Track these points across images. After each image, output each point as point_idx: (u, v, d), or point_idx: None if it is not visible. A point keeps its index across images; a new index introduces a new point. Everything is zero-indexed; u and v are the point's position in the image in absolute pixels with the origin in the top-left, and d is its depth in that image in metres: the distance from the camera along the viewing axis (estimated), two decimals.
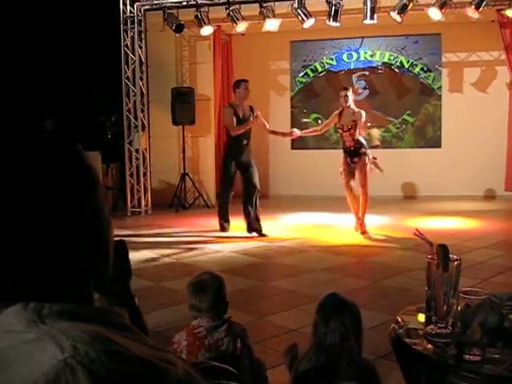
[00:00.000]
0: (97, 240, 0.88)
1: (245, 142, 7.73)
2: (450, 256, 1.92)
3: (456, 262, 1.91)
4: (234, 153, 7.67)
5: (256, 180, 7.75)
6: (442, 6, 8.69)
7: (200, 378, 0.85)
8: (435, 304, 1.92)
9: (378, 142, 8.07)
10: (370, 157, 7.47)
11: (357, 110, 7.55)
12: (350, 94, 7.60)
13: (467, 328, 1.78)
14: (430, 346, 1.90)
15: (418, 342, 1.93)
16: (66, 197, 0.82)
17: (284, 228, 8.24)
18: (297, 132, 8.10)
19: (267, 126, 8.12)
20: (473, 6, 8.57)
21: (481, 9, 8.57)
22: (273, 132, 8.26)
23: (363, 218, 7.66)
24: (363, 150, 7.50)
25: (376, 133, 8.55)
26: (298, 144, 11.62)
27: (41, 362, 0.71)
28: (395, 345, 2.00)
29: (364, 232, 7.60)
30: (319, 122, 11.61)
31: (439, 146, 11.28)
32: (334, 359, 2.05)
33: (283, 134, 8.49)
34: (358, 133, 7.53)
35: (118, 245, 1.26)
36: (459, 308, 1.94)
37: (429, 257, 1.94)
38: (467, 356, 1.74)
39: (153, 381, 0.74)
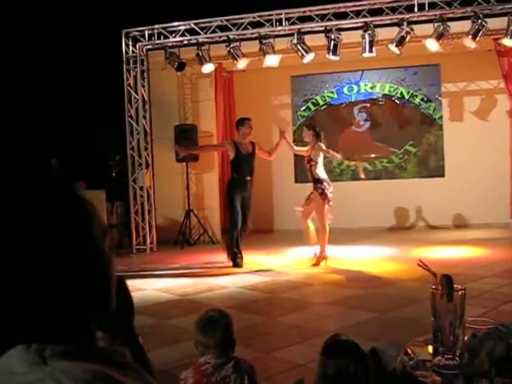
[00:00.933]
0: (96, 278, 0.88)
1: (248, 178, 7.87)
2: (455, 286, 1.91)
3: (460, 292, 1.90)
4: (238, 188, 7.79)
5: (249, 220, 7.98)
6: (439, 38, 8.80)
7: None
8: (441, 335, 1.90)
9: (362, 175, 8.14)
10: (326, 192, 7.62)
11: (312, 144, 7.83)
12: (304, 129, 8.13)
13: (474, 358, 1.76)
14: (437, 377, 1.88)
15: (426, 374, 1.91)
16: (60, 236, 0.83)
17: (289, 262, 8.20)
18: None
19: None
20: (470, 36, 8.69)
21: (478, 39, 8.68)
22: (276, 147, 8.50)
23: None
24: (318, 185, 7.67)
25: (360, 165, 8.61)
26: (301, 177, 11.64)
27: None
28: (403, 377, 1.97)
29: (316, 264, 7.69)
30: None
31: (442, 176, 11.30)
32: None
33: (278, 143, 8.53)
34: (316, 168, 7.75)
35: (117, 281, 1.26)
36: (466, 338, 1.93)
37: (433, 287, 1.93)
38: None
39: None
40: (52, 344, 0.79)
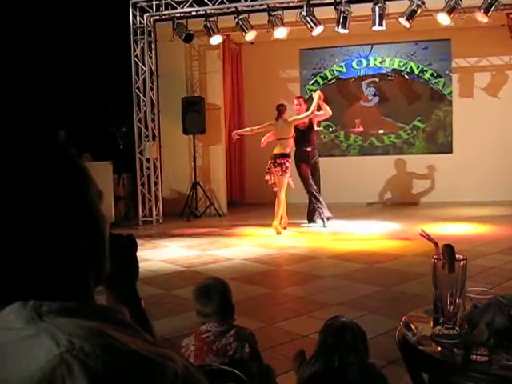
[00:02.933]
0: (91, 237, 0.88)
1: (309, 149, 8.63)
2: (456, 256, 1.90)
3: (462, 262, 1.90)
4: (302, 158, 8.64)
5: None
6: (450, 11, 8.67)
7: (201, 376, 0.85)
8: (442, 305, 1.90)
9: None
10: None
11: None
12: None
13: (474, 328, 1.76)
14: (437, 346, 1.88)
15: (425, 343, 1.91)
16: (58, 197, 0.83)
17: (295, 235, 8.22)
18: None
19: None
20: (482, 11, 8.55)
21: (490, 13, 8.55)
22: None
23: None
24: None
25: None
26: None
27: (37, 357, 0.72)
28: (402, 346, 1.98)
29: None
30: (330, 129, 11.63)
31: (450, 152, 11.24)
32: (341, 364, 2.04)
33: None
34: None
35: (128, 240, 1.27)
36: (467, 308, 1.93)
37: (435, 257, 1.93)
38: (474, 356, 1.72)
39: (149, 375, 0.74)
40: (49, 301, 0.80)
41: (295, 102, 8.81)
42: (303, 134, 8.56)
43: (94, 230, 0.89)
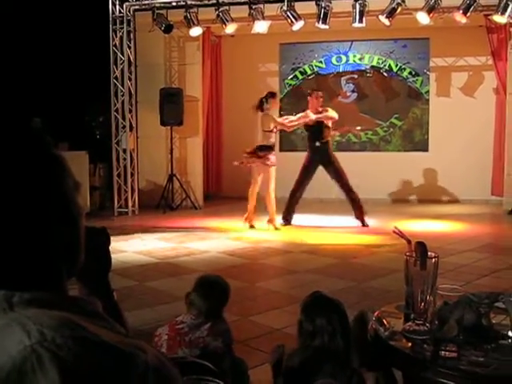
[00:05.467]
0: (66, 228, 0.88)
1: (317, 144, 8.42)
2: (428, 253, 1.93)
3: (434, 260, 1.93)
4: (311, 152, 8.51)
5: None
6: (430, 11, 8.75)
7: (173, 367, 0.85)
8: (413, 301, 1.93)
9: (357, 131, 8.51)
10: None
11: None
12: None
13: (444, 325, 1.79)
14: (407, 342, 1.91)
15: (396, 338, 1.94)
16: (32, 185, 0.82)
17: (271, 229, 8.24)
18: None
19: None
20: (461, 11, 8.65)
21: (468, 14, 8.65)
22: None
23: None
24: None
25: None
26: (286, 146, 11.66)
27: (8, 348, 0.71)
28: (374, 342, 2.01)
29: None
30: None
31: (426, 150, 11.35)
32: (319, 358, 2.05)
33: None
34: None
35: (100, 232, 1.27)
36: (437, 305, 1.96)
37: (407, 254, 1.96)
38: (443, 352, 1.75)
39: (120, 366, 0.74)
40: (21, 291, 0.79)
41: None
42: (313, 130, 8.45)
43: (69, 221, 0.89)
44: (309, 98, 8.58)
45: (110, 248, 1.33)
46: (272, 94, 8.34)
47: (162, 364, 0.81)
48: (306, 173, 8.44)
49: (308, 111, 8.46)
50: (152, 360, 0.78)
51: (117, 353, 0.75)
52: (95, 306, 0.89)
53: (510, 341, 1.90)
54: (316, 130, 8.32)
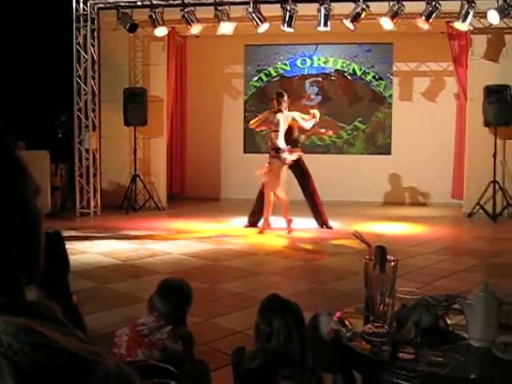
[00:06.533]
0: (24, 233, 0.86)
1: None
2: (387, 257, 1.96)
3: (392, 263, 1.96)
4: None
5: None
6: (393, 16, 8.88)
7: (133, 374, 0.85)
8: (372, 304, 1.96)
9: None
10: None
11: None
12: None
13: (402, 327, 1.83)
14: (366, 344, 1.94)
15: (356, 340, 1.97)
16: None
17: (234, 231, 8.25)
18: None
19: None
20: (423, 18, 8.81)
21: (431, 20, 8.82)
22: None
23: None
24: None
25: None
26: (250, 148, 11.69)
27: None
28: (333, 343, 2.03)
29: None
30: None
31: (389, 153, 11.51)
32: (276, 360, 2.07)
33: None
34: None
35: (54, 236, 1.24)
36: (396, 308, 1.99)
37: (366, 257, 1.99)
38: (401, 354, 1.78)
39: (79, 373, 0.74)
40: None
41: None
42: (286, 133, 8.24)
43: (27, 225, 0.87)
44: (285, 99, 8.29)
45: (66, 250, 1.31)
46: (280, 94, 8.22)
47: (121, 371, 0.81)
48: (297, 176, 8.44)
49: (316, 111, 8.41)
50: (112, 367, 0.78)
51: (76, 359, 0.74)
52: (54, 311, 0.88)
53: (465, 342, 1.95)
54: (288, 133, 8.20)
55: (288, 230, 8.04)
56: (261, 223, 8.27)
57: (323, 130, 8.70)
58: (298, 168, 8.34)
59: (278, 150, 7.93)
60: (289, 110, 8.31)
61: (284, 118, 8.03)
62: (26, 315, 0.79)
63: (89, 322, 1.32)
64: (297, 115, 8.23)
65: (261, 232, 8.05)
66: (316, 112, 8.42)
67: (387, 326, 1.95)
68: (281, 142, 7.94)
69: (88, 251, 6.68)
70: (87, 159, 9.89)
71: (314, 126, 8.53)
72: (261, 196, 8.28)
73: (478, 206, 9.49)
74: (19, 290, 0.87)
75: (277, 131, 8.00)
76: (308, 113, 8.47)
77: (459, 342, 1.95)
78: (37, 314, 0.82)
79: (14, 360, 0.69)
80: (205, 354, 3.14)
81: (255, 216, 8.43)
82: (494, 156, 9.25)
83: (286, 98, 8.13)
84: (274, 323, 2.09)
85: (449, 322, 2.05)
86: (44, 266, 0.95)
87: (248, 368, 2.15)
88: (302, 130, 8.71)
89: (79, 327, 1.04)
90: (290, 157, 7.95)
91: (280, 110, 8.06)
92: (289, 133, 8.17)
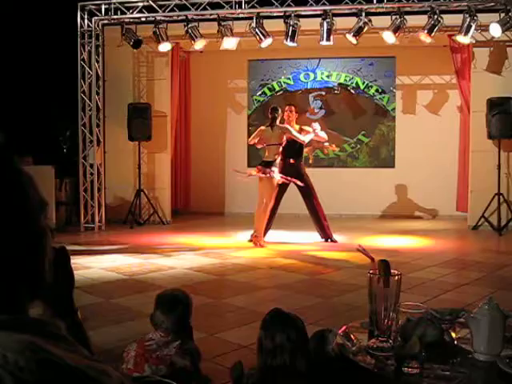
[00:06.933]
0: (29, 250, 0.87)
1: (291, 161, 8.29)
2: (391, 271, 1.96)
3: (397, 277, 1.96)
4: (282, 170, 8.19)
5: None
6: (396, 30, 8.93)
7: None
8: (376, 318, 1.96)
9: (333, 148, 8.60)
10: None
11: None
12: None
13: (407, 341, 1.82)
14: (371, 359, 1.93)
15: (360, 355, 1.96)
16: None
17: (239, 245, 8.24)
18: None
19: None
20: (425, 31, 8.86)
21: (433, 34, 8.86)
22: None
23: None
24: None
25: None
26: (254, 162, 11.69)
27: None
28: (338, 358, 2.03)
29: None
30: None
31: (393, 166, 11.51)
32: (279, 375, 2.06)
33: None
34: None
35: (60, 252, 1.24)
36: (400, 322, 1.99)
37: (370, 272, 1.99)
38: (406, 369, 1.78)
39: None
40: None
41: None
42: (287, 147, 8.25)
43: (31, 242, 0.88)
44: (286, 112, 8.39)
45: (71, 266, 1.32)
46: (275, 109, 8.27)
47: None
48: (281, 189, 8.38)
49: (317, 124, 8.51)
50: None
51: (80, 376, 0.75)
52: (58, 329, 0.88)
53: (471, 356, 1.94)
54: (290, 146, 8.23)
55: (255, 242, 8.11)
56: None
57: (327, 144, 8.66)
58: (301, 180, 8.32)
59: (267, 163, 7.99)
60: (296, 123, 8.37)
61: (277, 132, 8.05)
62: (31, 332, 0.79)
63: (93, 337, 1.32)
64: (289, 127, 8.19)
65: (256, 245, 8.06)
66: (316, 125, 8.45)
67: (392, 341, 1.95)
68: (270, 156, 8.03)
69: (92, 266, 6.68)
70: (92, 174, 9.92)
71: (312, 139, 8.50)
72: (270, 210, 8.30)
73: (482, 219, 9.47)
74: (23, 306, 0.87)
75: (269, 145, 8.08)
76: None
77: (464, 356, 1.95)
78: (41, 331, 0.82)
79: (21, 378, 0.70)
80: (210, 369, 3.13)
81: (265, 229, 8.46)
82: (498, 168, 9.24)
83: (279, 112, 8.18)
84: (276, 338, 2.08)
85: (454, 336, 2.05)
86: (50, 281, 0.96)
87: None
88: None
89: (84, 343, 1.05)
90: (276, 176, 7.98)
91: (271, 125, 8.09)
92: (292, 145, 8.19)
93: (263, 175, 7.97)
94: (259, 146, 8.50)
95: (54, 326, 0.87)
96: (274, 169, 7.96)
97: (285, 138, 8.12)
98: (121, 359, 2.54)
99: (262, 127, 8.31)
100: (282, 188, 8.35)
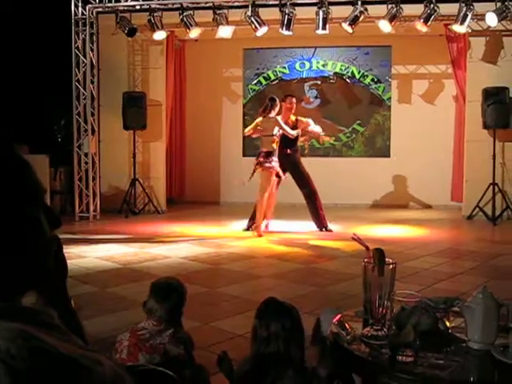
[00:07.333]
0: (23, 239, 0.86)
1: (288, 151, 8.25)
2: (386, 260, 1.96)
3: (391, 266, 1.96)
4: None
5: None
6: (392, 19, 8.90)
7: (130, 379, 0.85)
8: (371, 307, 1.96)
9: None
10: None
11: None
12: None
13: (401, 330, 1.83)
14: (365, 347, 1.94)
15: (355, 343, 1.97)
16: None
17: (234, 234, 8.25)
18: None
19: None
20: (422, 20, 8.83)
21: (429, 23, 8.84)
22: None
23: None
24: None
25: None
26: (249, 151, 11.68)
27: None
28: (333, 347, 2.03)
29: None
30: None
31: (388, 156, 11.52)
32: (276, 366, 2.06)
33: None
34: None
35: (51, 241, 1.23)
36: (395, 311, 1.99)
37: (365, 260, 1.99)
38: (400, 357, 1.78)
39: (75, 378, 0.74)
40: None
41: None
42: (283, 138, 8.18)
43: (25, 231, 0.87)
44: (282, 103, 8.34)
45: (64, 255, 1.30)
46: (272, 100, 8.19)
47: (118, 377, 0.81)
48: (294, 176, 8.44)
49: (310, 120, 8.50)
50: (109, 373, 0.78)
51: (73, 365, 0.74)
52: (51, 317, 0.88)
53: (465, 344, 1.95)
54: (286, 137, 8.18)
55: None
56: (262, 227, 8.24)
57: (322, 134, 8.65)
58: (296, 169, 8.34)
59: (267, 154, 7.96)
60: (293, 114, 8.36)
61: (270, 123, 8.02)
62: (24, 321, 0.79)
63: (88, 327, 1.31)
64: (279, 118, 8.12)
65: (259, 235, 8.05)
66: (309, 120, 8.43)
67: (386, 329, 1.95)
68: (267, 146, 8.00)
69: (87, 255, 6.68)
70: (86, 163, 9.89)
71: (307, 130, 8.50)
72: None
73: (477, 209, 9.50)
74: (14, 295, 0.87)
75: (266, 136, 8.05)
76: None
77: (458, 344, 1.95)
78: (34, 319, 0.82)
79: (12, 365, 0.70)
80: (204, 357, 3.13)
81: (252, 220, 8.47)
82: (494, 158, 9.25)
83: (277, 103, 8.11)
84: (271, 326, 2.08)
85: (449, 324, 2.05)
86: (47, 271, 0.95)
87: (240, 373, 2.14)
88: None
89: (77, 332, 1.04)
90: (276, 167, 7.97)
91: (265, 115, 8.06)
92: (287, 136, 8.17)
93: (262, 168, 7.95)
94: (254, 136, 8.47)
95: (46, 315, 0.86)
96: (274, 158, 7.94)
97: (279, 130, 8.09)
98: (113, 349, 2.53)
99: (259, 118, 8.26)
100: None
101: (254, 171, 8.02)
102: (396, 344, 1.78)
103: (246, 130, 8.59)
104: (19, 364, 0.70)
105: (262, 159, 7.93)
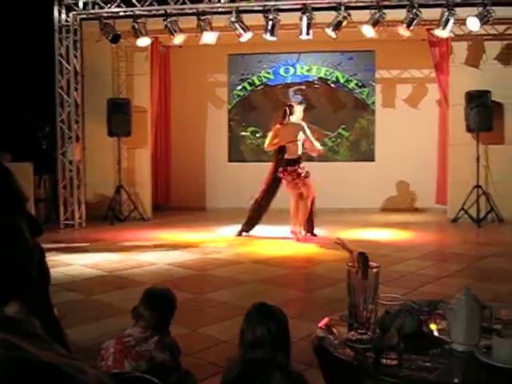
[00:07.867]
0: (3, 248, 0.86)
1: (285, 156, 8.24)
2: (370, 263, 1.98)
3: (375, 270, 1.97)
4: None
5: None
6: (375, 24, 8.97)
7: None
8: (355, 310, 1.97)
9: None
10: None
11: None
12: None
13: (385, 333, 1.84)
14: (350, 351, 1.95)
15: (339, 347, 1.97)
16: None
17: (220, 240, 8.24)
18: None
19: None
20: (404, 25, 8.90)
21: (412, 27, 8.90)
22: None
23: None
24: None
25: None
26: (235, 157, 11.70)
27: None
28: (317, 351, 2.04)
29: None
30: (256, 135, 11.72)
31: (373, 160, 11.57)
32: (263, 370, 2.06)
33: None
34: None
35: (32, 248, 1.23)
36: (379, 314, 2.01)
37: (349, 264, 2.00)
38: (384, 360, 1.79)
39: None
40: None
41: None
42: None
43: (7, 239, 0.87)
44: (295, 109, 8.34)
45: (47, 263, 1.30)
46: (290, 106, 8.34)
47: None
48: (275, 185, 8.44)
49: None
50: (92, 381, 0.78)
51: (55, 374, 0.74)
52: (33, 327, 0.88)
53: (448, 346, 1.96)
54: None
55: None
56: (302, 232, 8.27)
57: (320, 148, 8.69)
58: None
59: (293, 162, 8.06)
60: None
61: (294, 127, 8.14)
62: (6, 330, 0.79)
63: (73, 335, 1.32)
64: (304, 125, 8.31)
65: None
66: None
67: (370, 333, 1.96)
68: (293, 154, 8.12)
69: (73, 263, 6.64)
70: (71, 171, 9.83)
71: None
72: (258, 204, 8.45)
73: (462, 211, 9.56)
74: None
75: (290, 142, 8.11)
76: None
77: (442, 346, 1.97)
78: (16, 329, 0.82)
79: None
80: (191, 364, 3.13)
81: (250, 224, 8.53)
82: (477, 161, 9.33)
83: (295, 107, 8.29)
84: (257, 330, 2.09)
85: (434, 327, 2.07)
86: (30, 280, 0.95)
87: (226, 378, 2.14)
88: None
89: (60, 341, 1.04)
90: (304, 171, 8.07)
91: (282, 123, 8.14)
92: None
93: (298, 178, 8.06)
94: (277, 146, 8.33)
95: (29, 325, 0.86)
96: (301, 165, 8.08)
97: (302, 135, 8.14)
98: (98, 356, 2.52)
99: (277, 126, 8.25)
100: (276, 184, 8.38)
101: (296, 182, 8.08)
102: (380, 347, 1.79)
103: (266, 144, 8.50)
104: (1, 374, 0.70)
105: (296, 172, 8.05)
